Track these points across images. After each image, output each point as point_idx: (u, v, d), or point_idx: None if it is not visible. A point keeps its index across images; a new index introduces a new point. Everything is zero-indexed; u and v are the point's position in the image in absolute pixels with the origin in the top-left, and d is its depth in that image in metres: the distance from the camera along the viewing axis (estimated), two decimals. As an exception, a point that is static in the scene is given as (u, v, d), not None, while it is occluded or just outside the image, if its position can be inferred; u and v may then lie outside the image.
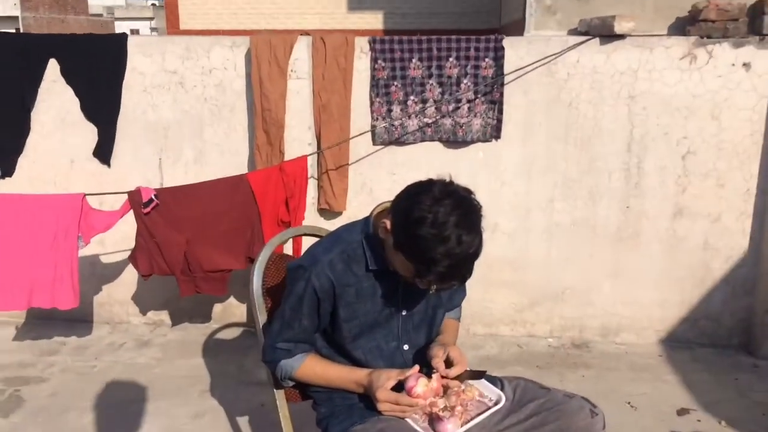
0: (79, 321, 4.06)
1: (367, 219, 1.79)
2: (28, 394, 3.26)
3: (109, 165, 3.87)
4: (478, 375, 1.75)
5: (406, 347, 1.83)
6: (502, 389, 1.83)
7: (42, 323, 4.02)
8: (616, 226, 3.74)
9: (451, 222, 1.50)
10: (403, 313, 1.81)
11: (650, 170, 3.65)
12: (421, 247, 1.51)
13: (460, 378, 1.71)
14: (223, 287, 3.34)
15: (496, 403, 1.76)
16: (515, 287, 3.85)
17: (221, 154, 3.79)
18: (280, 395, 1.98)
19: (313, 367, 1.80)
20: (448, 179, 1.60)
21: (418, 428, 1.66)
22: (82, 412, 3.10)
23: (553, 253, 3.81)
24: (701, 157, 3.61)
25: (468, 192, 1.59)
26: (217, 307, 4.08)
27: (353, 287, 1.74)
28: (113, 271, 4.05)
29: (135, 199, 3.09)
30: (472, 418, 1.71)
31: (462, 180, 1.63)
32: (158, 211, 3.13)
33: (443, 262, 1.50)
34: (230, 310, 4.08)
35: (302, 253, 1.88)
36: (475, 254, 1.55)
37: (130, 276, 4.02)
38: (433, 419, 1.69)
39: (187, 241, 3.19)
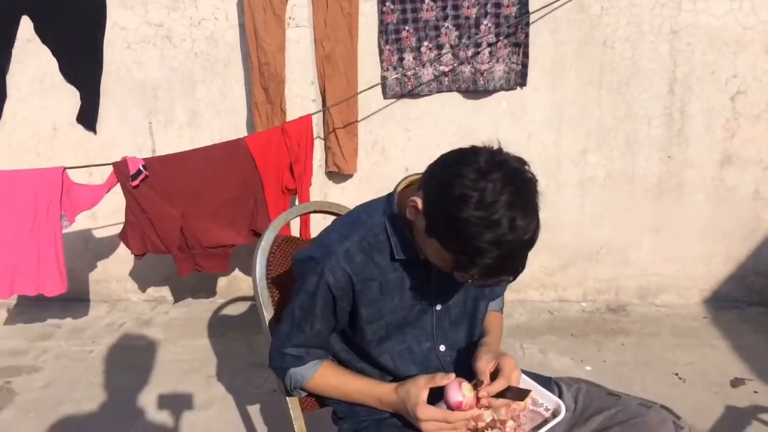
0: (74, 300, 3.80)
1: (390, 196, 1.45)
2: (20, 385, 3.00)
3: (94, 131, 3.54)
4: (521, 395, 1.42)
5: (442, 348, 1.51)
6: (560, 396, 1.52)
7: (35, 305, 3.76)
8: (656, 177, 3.39)
9: (501, 202, 1.16)
10: (438, 307, 1.48)
11: (695, 114, 3.27)
12: (462, 233, 1.18)
13: (502, 396, 1.39)
14: (226, 263, 3.02)
15: (554, 415, 1.45)
16: (545, 248, 3.51)
17: (217, 115, 3.44)
18: (293, 403, 1.67)
19: (327, 378, 1.49)
20: (496, 146, 1.25)
21: None
22: (77, 404, 2.83)
23: (587, 210, 3.47)
24: (752, 98, 3.23)
25: (521, 163, 1.24)
26: (222, 281, 3.79)
27: (376, 281, 1.41)
28: (108, 246, 3.75)
29: (121, 171, 2.76)
30: (526, 435, 1.41)
31: (484, 133, 1.32)
32: (148, 183, 2.80)
33: (491, 252, 1.17)
34: (236, 284, 3.79)
35: (312, 240, 1.53)
36: (531, 242, 1.22)
37: (126, 250, 3.69)
38: (480, 440, 1.39)
39: (183, 214, 2.87)
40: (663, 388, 2.74)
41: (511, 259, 1.21)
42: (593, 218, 3.49)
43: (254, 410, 2.74)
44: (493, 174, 1.18)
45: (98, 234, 3.72)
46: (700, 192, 3.40)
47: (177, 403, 2.82)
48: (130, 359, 3.23)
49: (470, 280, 1.27)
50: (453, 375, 1.37)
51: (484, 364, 1.40)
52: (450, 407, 1.34)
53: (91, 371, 3.12)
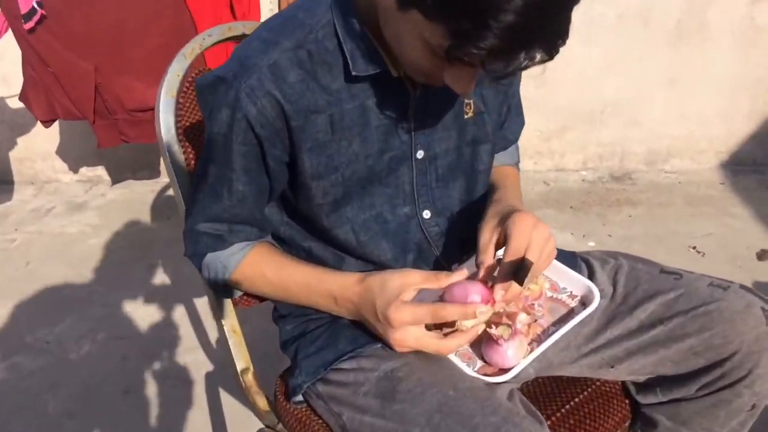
0: (-5, 183, 3.26)
1: None
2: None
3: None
4: (521, 273, 0.92)
5: (426, 214, 1.02)
6: (590, 277, 1.06)
7: (-52, 187, 3.23)
8: (675, 17, 2.84)
9: None
10: (419, 154, 0.98)
11: (727, -64, 2.67)
12: None
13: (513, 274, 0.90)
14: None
15: (583, 303, 1.01)
16: (539, 108, 2.97)
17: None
18: (221, 300, 1.21)
19: (259, 267, 1.00)
20: None
21: (467, 369, 0.91)
22: (-8, 300, 2.38)
23: (592, 59, 2.93)
24: None
25: None
26: (167, 156, 3.25)
27: (324, 114, 0.90)
28: (27, 117, 3.15)
29: (10, 9, 2.15)
30: (546, 334, 0.96)
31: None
32: (48, 27, 2.20)
33: (513, 0, 0.65)
34: (183, 159, 3.25)
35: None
36: None
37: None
38: (484, 344, 0.94)
39: (97, 69, 2.28)
40: (679, 264, 2.29)
41: (544, 14, 0.67)
42: (598, 70, 2.95)
43: (202, 302, 2.31)
44: None
45: (15, 104, 3.11)
46: (726, 35, 2.86)
47: (113, 295, 2.38)
48: (59, 248, 2.76)
49: (476, 69, 0.76)
50: (464, 271, 0.89)
51: (487, 234, 0.92)
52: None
53: (12, 263, 2.66)
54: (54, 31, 2.23)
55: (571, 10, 0.70)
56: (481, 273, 0.89)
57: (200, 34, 1.29)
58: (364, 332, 0.96)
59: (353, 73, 0.88)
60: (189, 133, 1.21)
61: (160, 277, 2.50)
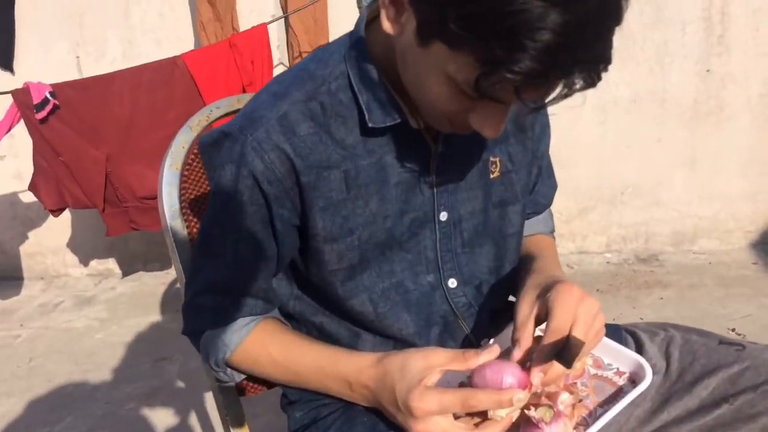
0: (4, 279, 3.23)
1: (353, 32, 0.85)
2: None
3: (12, 71, 2.92)
4: (569, 353, 0.80)
5: (452, 283, 0.92)
6: (639, 350, 0.94)
7: (-45, 285, 3.16)
8: (692, 97, 2.81)
9: None
10: (442, 216, 0.89)
11: (738, 16, 2.69)
12: None
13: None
14: (169, 218, 2.42)
15: (633, 381, 0.88)
16: (559, 190, 2.90)
17: (157, 44, 2.84)
18: (224, 389, 1.09)
19: (266, 346, 0.89)
20: None
21: None
22: (-7, 399, 2.26)
23: (609, 140, 2.89)
24: (808, -8, 2.64)
25: None
26: (179, 248, 3.19)
27: (338, 170, 0.82)
28: (40, 212, 3.15)
29: (23, 100, 2.16)
30: (593, 417, 0.84)
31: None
32: (60, 117, 2.20)
33: (547, 15, 0.58)
34: (195, 250, 3.20)
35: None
36: (618, 2, 0.62)
37: (64, 217, 3.12)
38: (522, 430, 0.81)
39: (108, 157, 2.27)
40: (719, 347, 2.19)
41: (584, 33, 0.60)
42: (617, 150, 2.91)
43: (211, 398, 2.17)
44: None
45: (27, 198, 3.11)
46: (744, 114, 2.83)
47: (119, 391, 2.26)
48: (65, 343, 2.66)
49: (506, 118, 0.70)
50: (496, 348, 0.77)
51: (526, 307, 0.80)
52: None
53: (14, 359, 2.55)
54: (66, 120, 2.23)
55: (613, 30, 0.63)
56: (518, 352, 0.77)
57: (208, 105, 1.25)
58: (383, 418, 0.84)
59: (370, 125, 0.80)
60: (193, 207, 1.14)
61: (167, 372, 2.37)
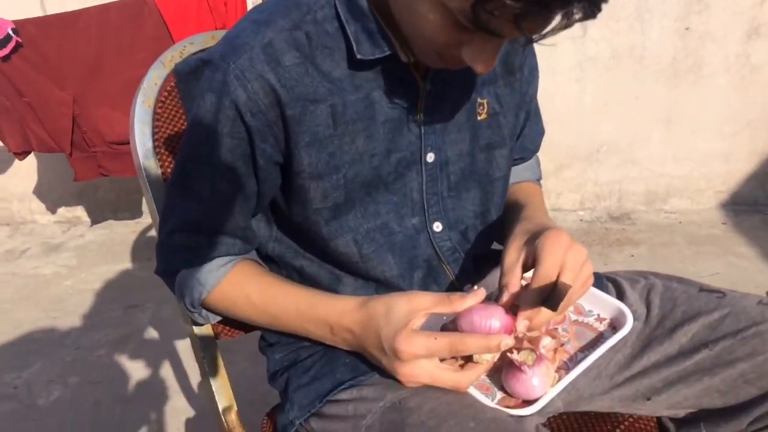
0: (-33, 224, 3.11)
1: None
2: None
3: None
4: (554, 298, 0.79)
5: (437, 227, 0.90)
6: (620, 298, 0.94)
7: None
8: (670, 55, 2.79)
9: None
10: (429, 157, 0.86)
11: (720, -27, 2.66)
12: None
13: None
14: (140, 164, 2.35)
15: (613, 327, 0.89)
16: (536, 147, 2.91)
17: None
18: (199, 327, 1.07)
19: (243, 288, 0.86)
20: None
21: (487, 401, 0.77)
22: (-43, 345, 2.22)
23: (587, 98, 2.87)
24: (791, -49, 2.62)
25: None
26: (149, 196, 3.12)
27: (324, 104, 0.78)
28: (5, 157, 3.04)
29: (-17, 36, 2.05)
30: (573, 361, 0.84)
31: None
32: (23, 56, 2.11)
33: None
34: (166, 198, 3.13)
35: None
36: None
37: (30, 162, 3.02)
38: (504, 372, 0.81)
39: (75, 99, 2.19)
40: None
41: None
42: (594, 108, 2.89)
43: (183, 345, 2.16)
44: None
45: (-10, 142, 3.01)
46: (722, 72, 2.81)
47: (89, 338, 2.23)
48: (32, 290, 2.61)
49: (498, 52, 0.68)
50: (481, 291, 0.75)
51: (514, 253, 0.79)
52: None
53: (-20, 305, 2.49)
54: (29, 58, 2.14)
55: None
56: (505, 297, 0.76)
57: (181, 41, 1.19)
58: (365, 359, 0.83)
59: (358, 57, 0.77)
60: (167, 146, 1.09)
61: (138, 320, 2.34)
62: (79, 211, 3.19)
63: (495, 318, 0.74)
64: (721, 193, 3.02)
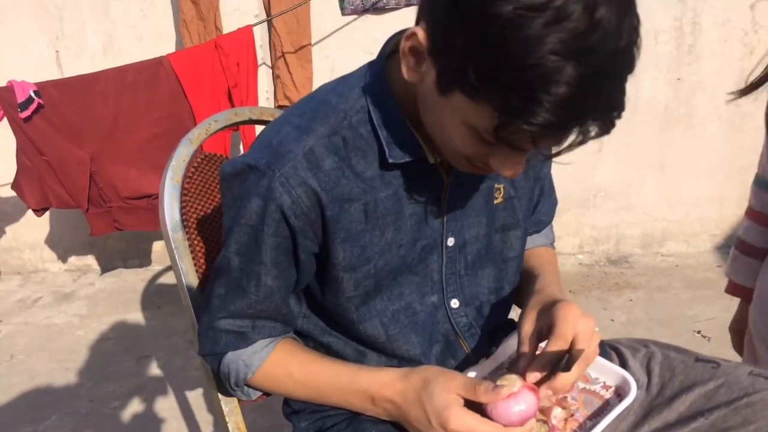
0: (-20, 273, 3.18)
1: (372, 66, 0.89)
2: None
3: (-12, 65, 2.87)
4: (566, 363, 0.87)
5: (454, 303, 0.97)
6: (622, 365, 1.01)
7: (-69, 279, 3.13)
8: (663, 104, 2.91)
9: None
10: (449, 242, 0.94)
11: (709, 27, 2.79)
12: (505, 47, 0.63)
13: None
14: (152, 218, 2.44)
15: (619, 395, 0.95)
16: (534, 193, 3.00)
17: (138, 40, 2.82)
18: (227, 399, 1.13)
19: (286, 366, 0.93)
20: None
21: None
22: (-27, 396, 2.27)
23: (582, 146, 2.96)
24: (775, 6, 2.74)
25: None
26: (158, 245, 3.21)
27: (359, 202, 0.85)
28: (17, 207, 3.13)
29: (6, 98, 2.15)
30: (583, 430, 0.90)
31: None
32: (44, 116, 2.20)
33: (562, 69, 0.62)
34: (174, 247, 3.20)
35: (252, 145, 0.94)
36: (627, 52, 0.65)
37: (40, 212, 3.10)
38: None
39: (93, 157, 2.28)
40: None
41: (598, 84, 0.64)
42: (589, 155, 2.99)
43: (195, 396, 2.21)
44: None
45: (3, 193, 3.08)
46: (712, 121, 2.93)
47: (102, 389, 2.27)
48: (45, 340, 2.66)
49: (528, 148, 0.72)
50: (517, 381, 0.80)
51: (528, 324, 0.86)
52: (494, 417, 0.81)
53: (-6, 356, 2.54)
54: (50, 120, 2.23)
55: (626, 79, 0.67)
56: (522, 364, 0.83)
57: (207, 119, 1.27)
58: (392, 426, 0.89)
59: (390, 159, 0.85)
60: (194, 218, 1.17)
61: (150, 370, 2.39)
62: (90, 260, 3.26)
63: (522, 402, 0.81)
64: (715, 236, 3.11)
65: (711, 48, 2.80)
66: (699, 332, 2.45)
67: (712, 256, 3.09)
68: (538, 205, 1.09)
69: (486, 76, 0.65)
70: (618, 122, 0.68)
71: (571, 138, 0.68)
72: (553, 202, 1.14)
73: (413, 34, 0.73)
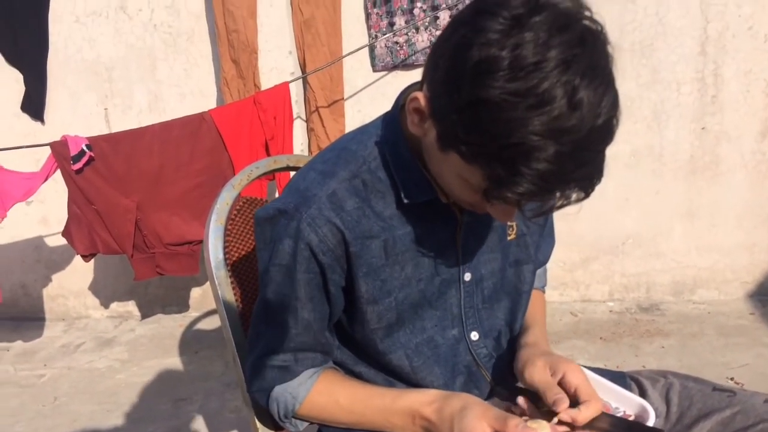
0: (26, 320, 3.34)
1: (388, 116, 0.99)
2: (-47, 418, 2.51)
3: (42, 121, 3.09)
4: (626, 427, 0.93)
5: (474, 336, 1.04)
6: (642, 395, 1.05)
7: (-20, 326, 3.27)
8: (688, 153, 2.95)
9: (551, 61, 0.69)
10: (466, 277, 1.02)
11: (731, 78, 2.84)
12: (493, 127, 0.71)
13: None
14: (193, 264, 2.55)
15: (638, 421, 0.99)
16: (562, 241, 2.98)
17: (182, 98, 2.99)
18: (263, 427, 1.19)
19: (332, 394, 1.00)
20: None
21: None
22: (17, 440, 2.35)
23: (609, 194, 3.02)
24: (796, 56, 2.80)
25: (577, 5, 0.75)
26: (196, 291, 3.31)
27: (378, 239, 0.94)
28: (64, 256, 3.28)
29: (60, 152, 2.31)
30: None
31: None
32: (94, 168, 2.35)
33: (544, 149, 0.70)
34: (212, 293, 3.30)
35: (284, 191, 1.05)
36: (607, 129, 0.74)
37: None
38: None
39: (138, 206, 2.41)
40: (719, 395, 2.28)
41: (577, 159, 0.72)
42: (617, 203, 3.04)
43: (229, 438, 2.26)
44: (534, 17, 0.70)
45: (51, 242, 3.25)
46: (739, 169, 2.96)
47: (139, 431, 2.33)
48: (87, 384, 2.75)
49: (514, 209, 0.83)
50: (547, 427, 0.86)
51: (544, 374, 0.93)
52: None
53: (39, 399, 2.64)
54: (99, 170, 2.38)
55: (604, 151, 0.76)
56: (564, 409, 0.88)
57: (248, 166, 1.38)
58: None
59: (405, 200, 0.93)
60: (235, 258, 1.27)
61: (187, 413, 2.46)
62: (131, 306, 3.37)
63: None
64: (747, 283, 3.10)
65: (734, 98, 2.86)
66: (732, 379, 2.44)
67: (745, 304, 3.07)
68: (539, 243, 1.16)
69: (474, 150, 0.75)
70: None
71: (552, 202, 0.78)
72: (551, 242, 1.22)
73: (415, 98, 0.82)
